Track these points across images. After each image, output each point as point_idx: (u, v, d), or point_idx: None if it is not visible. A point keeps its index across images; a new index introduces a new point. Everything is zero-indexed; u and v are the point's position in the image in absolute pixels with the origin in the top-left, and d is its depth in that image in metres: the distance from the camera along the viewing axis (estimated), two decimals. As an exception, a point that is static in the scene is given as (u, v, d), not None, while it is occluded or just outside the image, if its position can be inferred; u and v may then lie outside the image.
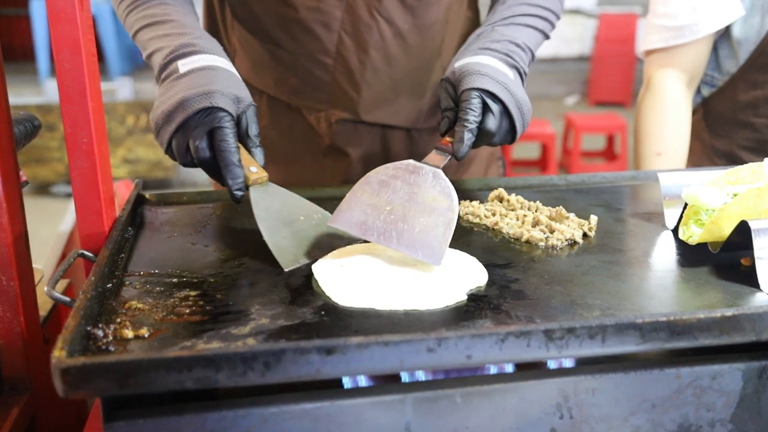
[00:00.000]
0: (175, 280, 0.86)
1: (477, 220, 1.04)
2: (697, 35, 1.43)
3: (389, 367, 0.67)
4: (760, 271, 0.83)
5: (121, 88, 5.33)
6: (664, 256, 0.94)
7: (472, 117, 0.97)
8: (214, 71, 0.98)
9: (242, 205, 1.11)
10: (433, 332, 0.67)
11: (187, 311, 0.78)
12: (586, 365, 0.77)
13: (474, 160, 1.46)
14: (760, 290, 0.82)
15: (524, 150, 5.71)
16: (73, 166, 0.92)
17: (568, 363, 0.83)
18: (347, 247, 0.92)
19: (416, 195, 0.90)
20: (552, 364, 0.83)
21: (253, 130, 0.99)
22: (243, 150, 0.97)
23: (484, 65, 1.03)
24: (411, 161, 0.93)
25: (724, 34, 1.46)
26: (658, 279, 0.88)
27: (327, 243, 0.94)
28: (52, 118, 4.76)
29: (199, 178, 5.17)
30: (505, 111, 1.01)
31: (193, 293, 0.82)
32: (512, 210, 1.06)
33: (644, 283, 0.86)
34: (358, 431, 0.70)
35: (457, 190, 1.16)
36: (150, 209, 1.10)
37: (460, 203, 1.09)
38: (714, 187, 0.93)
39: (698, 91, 1.56)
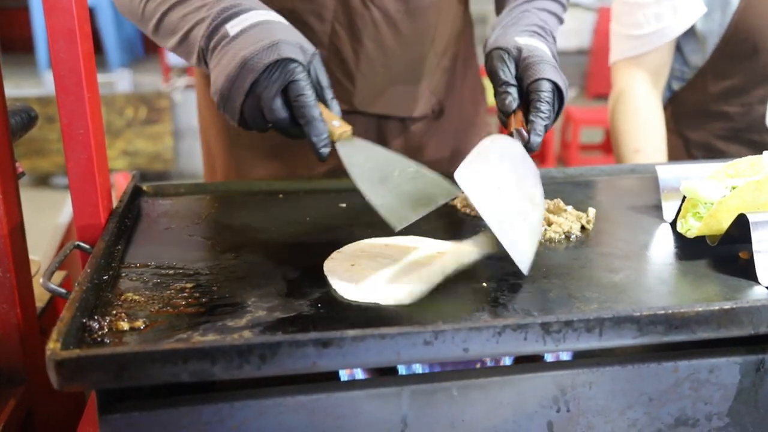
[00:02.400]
0: (171, 272, 0.85)
1: (475, 213, 1.04)
2: (664, 40, 1.48)
3: (386, 360, 0.67)
4: (759, 265, 0.82)
5: (120, 80, 5.32)
6: (662, 249, 0.94)
7: (548, 110, 0.95)
8: (269, 24, 0.91)
9: (238, 198, 1.11)
10: (430, 325, 0.66)
11: (183, 303, 0.77)
12: (583, 358, 0.76)
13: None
14: (759, 283, 0.82)
15: (524, 143, 5.69)
16: (69, 157, 0.91)
17: (566, 356, 0.83)
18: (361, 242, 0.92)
19: (522, 183, 0.90)
20: (549, 357, 0.83)
21: (324, 80, 0.91)
22: (320, 104, 0.89)
23: (546, 53, 1.00)
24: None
25: (688, 31, 1.49)
26: (656, 272, 0.87)
27: (429, 197, 0.85)
28: (52, 110, 4.74)
29: (198, 170, 5.16)
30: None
31: (189, 285, 0.82)
32: (510, 203, 1.05)
33: (642, 277, 0.86)
34: (354, 424, 0.70)
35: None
36: (147, 201, 1.10)
37: (458, 196, 1.08)
38: (713, 180, 0.92)
39: (668, 86, 1.59)
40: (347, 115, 1.31)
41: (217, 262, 0.89)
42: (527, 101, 0.97)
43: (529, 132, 0.94)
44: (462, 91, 1.45)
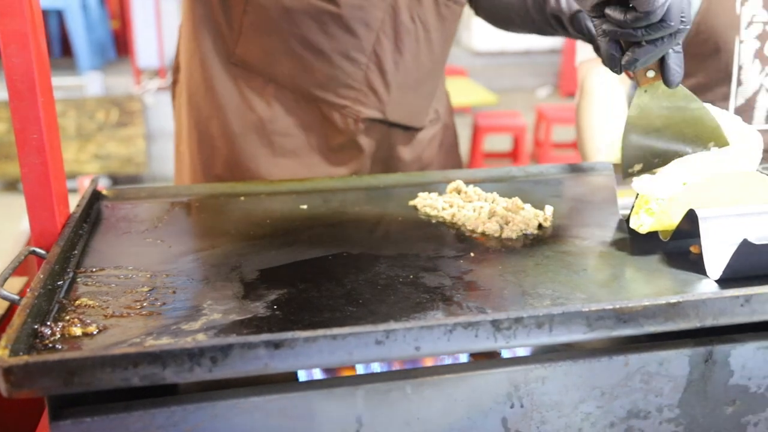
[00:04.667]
0: (128, 276, 0.85)
1: (435, 213, 1.05)
2: None
3: (338, 361, 0.67)
4: (707, 259, 0.84)
5: (90, 83, 5.26)
6: (616, 245, 0.95)
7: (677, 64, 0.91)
8: None
9: (200, 201, 1.11)
10: (381, 324, 0.67)
11: (139, 308, 0.77)
12: (536, 354, 0.78)
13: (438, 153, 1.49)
14: (708, 277, 0.84)
15: (496, 142, 5.74)
16: (23, 162, 0.90)
17: (523, 351, 0.84)
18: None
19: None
20: (506, 353, 0.84)
21: None
22: None
23: None
24: None
25: None
26: (610, 268, 0.89)
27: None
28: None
29: (171, 174, 5.13)
30: None
31: (145, 289, 0.82)
32: (469, 202, 1.06)
33: (596, 272, 0.87)
34: (309, 424, 0.71)
35: (417, 184, 1.18)
36: (107, 205, 1.09)
37: (417, 196, 1.09)
38: (664, 176, 0.94)
39: (634, 84, 1.62)
40: (374, 122, 1.33)
41: (175, 266, 0.88)
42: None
43: (663, 72, 0.91)
44: (446, 98, 1.55)
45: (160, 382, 0.64)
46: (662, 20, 0.82)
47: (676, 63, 0.90)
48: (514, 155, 5.62)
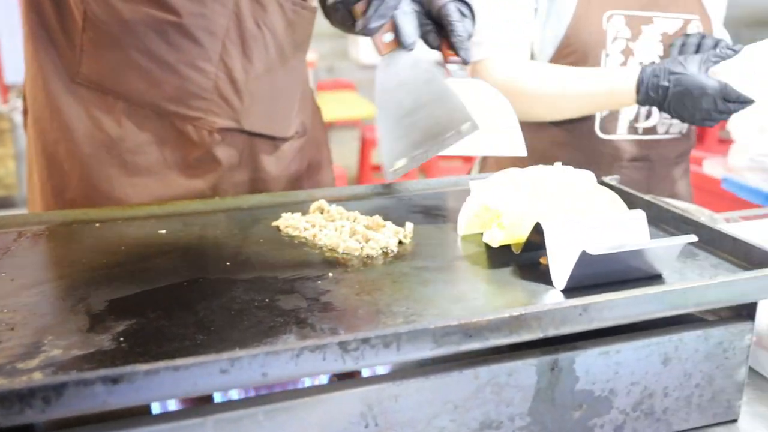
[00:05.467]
0: (-38, 314, 0.80)
1: (297, 233, 1.04)
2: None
3: (182, 392, 0.66)
4: (553, 270, 0.88)
5: (-48, 102, 4.94)
6: (472, 259, 0.98)
7: (460, 27, 1.10)
8: None
9: (50, 229, 1.06)
10: (225, 353, 0.66)
11: (-29, 348, 0.73)
12: (390, 372, 0.78)
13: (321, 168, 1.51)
14: (554, 288, 0.87)
15: (384, 155, 5.79)
16: None
17: (383, 370, 0.84)
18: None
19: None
20: (366, 372, 0.84)
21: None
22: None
23: None
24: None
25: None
26: (464, 282, 0.91)
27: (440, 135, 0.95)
28: None
29: (46, 195, 4.88)
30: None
31: (-20, 327, 0.77)
32: (332, 221, 1.07)
33: (451, 287, 0.89)
34: (157, 459, 0.68)
35: (281, 204, 1.17)
36: (-53, 237, 1.02)
37: (281, 216, 1.09)
38: (512, 190, 0.98)
39: None
40: (231, 132, 1.30)
41: (17, 300, 0.84)
42: (443, 28, 1.11)
43: (457, 52, 1.08)
44: (315, 112, 1.53)
45: (-13, 427, 0.60)
46: None
47: (407, 23, 1.04)
48: (402, 168, 5.69)
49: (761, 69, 1.39)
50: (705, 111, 1.40)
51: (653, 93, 1.42)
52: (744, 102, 1.39)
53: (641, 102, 1.46)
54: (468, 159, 6.04)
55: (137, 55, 1.23)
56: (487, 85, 1.16)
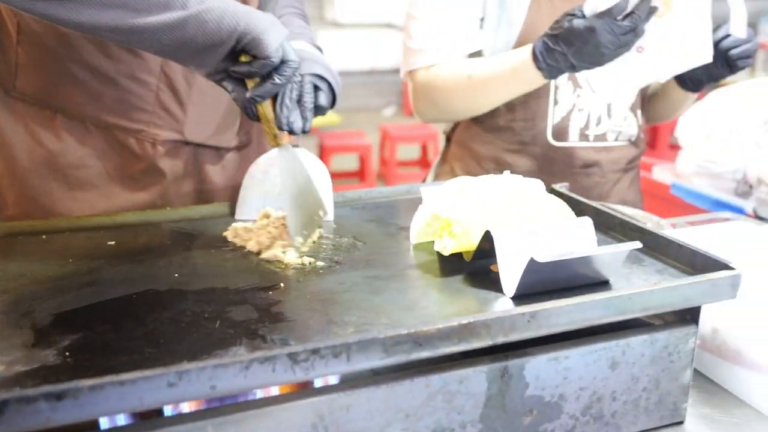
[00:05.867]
0: None
1: (243, 243, 1.03)
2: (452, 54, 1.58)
3: (129, 407, 0.65)
4: (503, 277, 0.89)
5: None
6: (424, 267, 0.98)
7: (309, 98, 1.14)
8: None
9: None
10: (172, 366, 0.65)
11: None
12: (341, 383, 0.78)
13: None
14: (505, 295, 0.88)
15: (343, 162, 5.80)
16: None
17: (334, 380, 0.84)
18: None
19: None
20: (319, 382, 0.84)
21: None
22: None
23: (305, 51, 1.20)
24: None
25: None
26: (417, 291, 0.92)
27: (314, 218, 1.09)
28: None
29: None
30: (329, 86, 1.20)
31: None
32: (279, 226, 1.06)
33: (403, 296, 0.89)
34: (104, 476, 0.67)
35: (230, 213, 1.16)
36: None
37: (230, 228, 1.08)
38: (462, 198, 0.99)
39: None
40: (174, 144, 1.28)
41: (-42, 315, 0.82)
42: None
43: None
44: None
45: (-77, 448, 0.58)
46: (282, 61, 1.03)
47: (286, 107, 1.10)
48: (360, 174, 5.71)
49: None
50: (609, 42, 1.33)
51: (551, 60, 1.41)
52: (637, 7, 1.32)
53: (546, 73, 1.44)
54: (427, 165, 6.09)
55: (75, 68, 1.21)
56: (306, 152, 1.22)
